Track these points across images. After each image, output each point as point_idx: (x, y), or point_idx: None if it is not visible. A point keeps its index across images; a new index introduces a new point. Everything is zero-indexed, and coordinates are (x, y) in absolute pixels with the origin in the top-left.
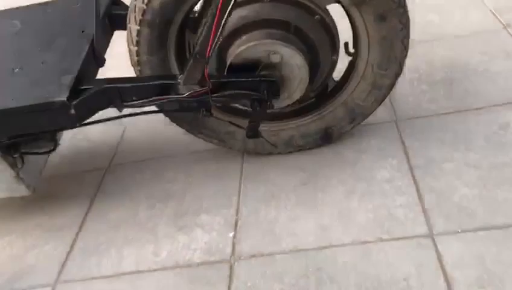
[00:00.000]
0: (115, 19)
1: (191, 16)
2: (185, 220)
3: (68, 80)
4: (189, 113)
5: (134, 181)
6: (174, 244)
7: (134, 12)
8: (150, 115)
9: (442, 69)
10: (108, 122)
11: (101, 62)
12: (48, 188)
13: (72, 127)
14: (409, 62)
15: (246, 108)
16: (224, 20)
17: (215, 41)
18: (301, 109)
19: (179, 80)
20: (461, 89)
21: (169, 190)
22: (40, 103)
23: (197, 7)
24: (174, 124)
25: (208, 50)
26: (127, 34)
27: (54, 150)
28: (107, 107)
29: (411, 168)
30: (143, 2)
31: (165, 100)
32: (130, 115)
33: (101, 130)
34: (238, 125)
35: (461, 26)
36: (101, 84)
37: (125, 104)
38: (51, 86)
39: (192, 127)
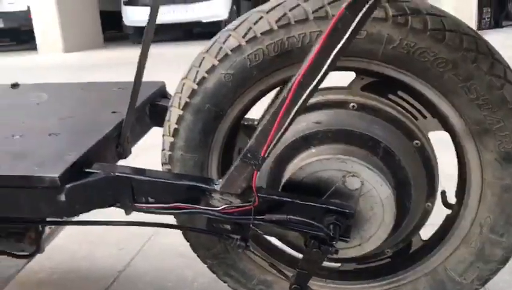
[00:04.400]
0: (157, 112)
1: (245, 123)
2: None
3: (71, 157)
4: (214, 240)
5: None
6: None
7: (181, 92)
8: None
9: None
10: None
11: (125, 152)
12: None
13: (52, 223)
14: None
15: (296, 247)
16: (296, 109)
17: (277, 137)
18: (369, 270)
19: (215, 186)
20: None
21: None
22: (23, 176)
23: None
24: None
25: (265, 149)
26: (165, 121)
27: (33, 255)
28: (110, 204)
29: None
30: (194, 80)
31: (189, 210)
32: (136, 224)
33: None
34: (281, 272)
35: None
36: (110, 171)
37: (135, 205)
38: (48, 160)
39: (216, 263)
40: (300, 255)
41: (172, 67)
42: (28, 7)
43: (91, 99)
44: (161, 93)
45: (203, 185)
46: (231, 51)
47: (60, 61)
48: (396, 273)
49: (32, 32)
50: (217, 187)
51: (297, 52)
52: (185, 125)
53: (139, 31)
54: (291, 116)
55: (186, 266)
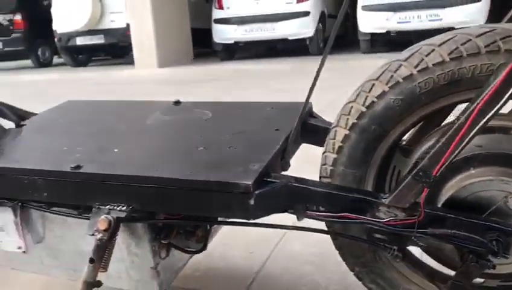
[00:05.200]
0: (307, 131)
1: (402, 144)
2: None
3: (256, 167)
4: (364, 249)
5: None
6: None
7: (348, 114)
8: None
9: None
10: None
11: (286, 166)
12: None
13: (233, 223)
14: None
15: (445, 261)
16: (472, 134)
17: (451, 159)
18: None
19: (383, 199)
20: None
21: None
22: (220, 181)
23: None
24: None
25: (437, 169)
26: (328, 140)
27: (200, 252)
28: (286, 210)
29: None
30: (363, 104)
31: (356, 220)
32: (304, 229)
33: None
34: (435, 284)
35: None
36: (288, 181)
37: (307, 212)
38: (236, 169)
39: (364, 271)
40: (442, 268)
41: (257, 82)
42: (128, 25)
43: (251, 117)
44: (310, 112)
45: (372, 199)
46: (402, 79)
47: (155, 75)
48: None
49: (127, 47)
50: (385, 201)
51: (466, 81)
52: (349, 144)
53: (226, 48)
54: (466, 140)
55: (316, 273)
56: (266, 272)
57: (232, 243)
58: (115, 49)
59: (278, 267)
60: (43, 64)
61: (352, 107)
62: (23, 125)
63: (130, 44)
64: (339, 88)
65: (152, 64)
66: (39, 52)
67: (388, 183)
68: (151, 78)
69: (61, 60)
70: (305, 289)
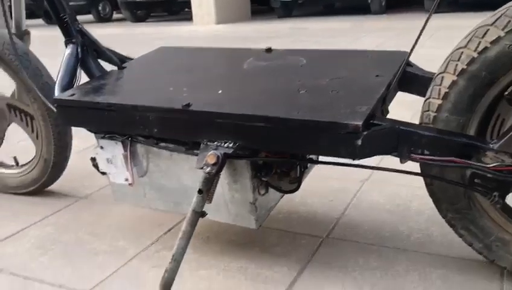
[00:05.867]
0: (405, 79)
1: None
2: None
3: (363, 109)
4: (460, 195)
5: (357, 264)
6: None
7: (458, 60)
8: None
9: None
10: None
11: (385, 113)
12: (259, 234)
13: (334, 163)
14: None
15: None
16: None
17: None
18: None
19: (491, 145)
20: None
21: (401, 285)
22: (329, 122)
23: None
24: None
25: None
26: (433, 86)
27: (293, 192)
28: (390, 152)
29: None
30: (475, 49)
31: (463, 165)
32: (408, 172)
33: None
34: None
35: None
36: (394, 125)
37: (412, 155)
38: (343, 110)
39: (457, 217)
40: None
41: (316, 41)
42: None
43: (347, 64)
44: (407, 61)
45: (480, 144)
46: None
47: (213, 32)
48: None
49: (182, 3)
50: (493, 146)
51: None
52: (456, 90)
53: (284, 5)
54: None
55: (398, 222)
56: (347, 218)
57: (310, 190)
58: (173, 5)
59: (359, 214)
60: (104, 19)
61: (462, 52)
62: (124, 68)
63: (188, 0)
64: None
65: (210, 20)
66: (100, 7)
67: (490, 132)
68: (210, 34)
69: (120, 16)
70: (388, 235)
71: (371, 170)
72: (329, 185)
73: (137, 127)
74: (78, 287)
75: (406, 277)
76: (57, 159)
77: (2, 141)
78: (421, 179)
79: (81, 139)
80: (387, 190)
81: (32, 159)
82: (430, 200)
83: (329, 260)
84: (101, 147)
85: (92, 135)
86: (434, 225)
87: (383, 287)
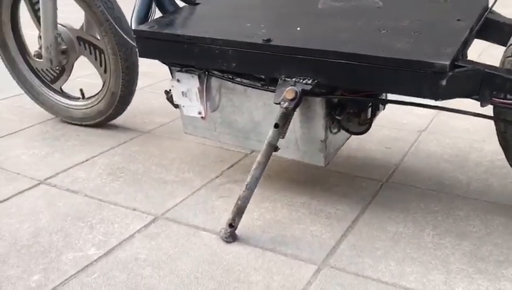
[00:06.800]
0: (484, 25)
1: None
2: (486, 265)
3: (449, 50)
4: None
5: (418, 207)
6: (472, 286)
7: None
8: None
9: None
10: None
11: (465, 58)
12: (319, 175)
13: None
14: None
15: None
16: None
17: None
18: None
19: None
20: None
21: (463, 229)
22: (415, 60)
23: None
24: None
25: None
26: None
27: (363, 133)
28: (471, 95)
29: None
30: None
31: None
32: (482, 116)
33: (390, 135)
34: None
35: None
36: (479, 67)
37: (494, 99)
38: (428, 50)
39: None
40: None
41: None
42: None
43: (426, 8)
44: (486, 8)
45: None
46: None
47: None
48: None
49: None
50: None
51: None
52: None
53: None
54: None
55: (456, 170)
56: (406, 165)
57: (367, 138)
58: None
59: (417, 162)
60: None
61: None
62: (198, 3)
63: None
64: None
65: None
66: None
67: None
68: None
69: None
70: (448, 183)
71: (427, 121)
72: (386, 134)
73: (216, 61)
74: (152, 211)
75: (467, 222)
76: (124, 92)
77: (70, 73)
78: (479, 133)
79: (139, 77)
80: (444, 141)
81: (98, 92)
82: (489, 152)
83: (390, 203)
84: (178, 80)
85: (150, 73)
86: (493, 176)
87: (444, 229)
